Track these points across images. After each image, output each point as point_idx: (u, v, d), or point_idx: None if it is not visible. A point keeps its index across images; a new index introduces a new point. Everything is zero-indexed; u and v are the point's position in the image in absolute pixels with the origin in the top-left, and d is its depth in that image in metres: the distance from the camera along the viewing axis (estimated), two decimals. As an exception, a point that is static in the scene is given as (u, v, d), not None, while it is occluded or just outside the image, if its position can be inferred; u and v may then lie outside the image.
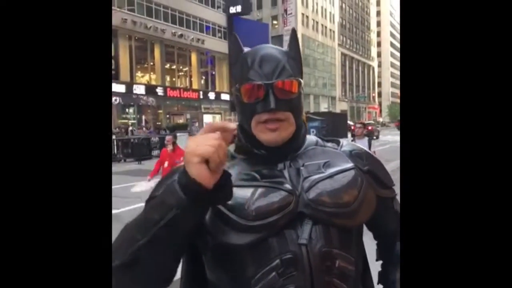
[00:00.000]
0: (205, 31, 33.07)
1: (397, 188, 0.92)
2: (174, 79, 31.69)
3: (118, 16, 24.00)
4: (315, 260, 0.87)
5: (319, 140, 1.05)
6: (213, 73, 34.81)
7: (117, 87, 24.36)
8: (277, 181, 0.91)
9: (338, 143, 1.06)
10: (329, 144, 1.05)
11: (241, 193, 0.88)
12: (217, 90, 34.44)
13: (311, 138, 1.04)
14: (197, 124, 29.54)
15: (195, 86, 32.59)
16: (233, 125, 0.75)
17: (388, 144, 22.62)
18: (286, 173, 0.93)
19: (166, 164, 6.65)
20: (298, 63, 0.97)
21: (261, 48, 0.96)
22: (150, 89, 27.81)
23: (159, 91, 28.37)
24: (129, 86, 25.62)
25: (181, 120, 30.13)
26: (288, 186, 0.90)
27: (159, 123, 27.78)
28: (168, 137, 7.19)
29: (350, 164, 0.97)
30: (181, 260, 0.98)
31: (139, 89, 26.86)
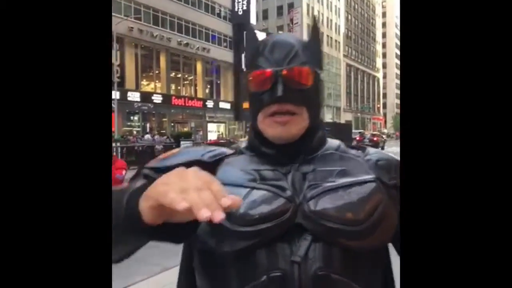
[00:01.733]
0: (211, 40, 33.22)
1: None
2: (179, 87, 31.78)
3: (125, 24, 24.13)
4: (308, 283, 0.73)
5: (342, 145, 0.90)
6: (218, 82, 34.90)
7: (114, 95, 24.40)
8: (277, 185, 0.79)
9: (364, 150, 0.91)
10: (353, 151, 0.89)
11: (234, 194, 0.77)
12: (221, 99, 34.50)
13: (333, 142, 0.89)
14: (201, 133, 29.58)
15: (200, 95, 32.66)
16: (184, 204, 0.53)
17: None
18: (289, 177, 0.80)
19: None
20: (316, 54, 0.86)
21: (276, 35, 0.86)
22: (147, 97, 27.78)
23: (156, 98, 28.25)
24: (124, 93, 25.52)
25: (185, 129, 30.16)
26: (288, 192, 0.78)
27: (163, 131, 27.80)
28: None
29: (370, 176, 0.82)
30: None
31: (134, 97, 26.71)
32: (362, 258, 0.78)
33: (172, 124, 30.37)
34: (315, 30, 0.88)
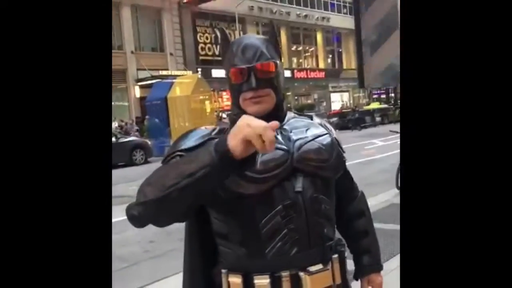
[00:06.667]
0: (330, 9, 32.58)
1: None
2: (300, 60, 32.00)
3: (246, 4, 25.04)
4: (308, 204, 1.12)
5: (295, 114, 1.29)
6: (340, 50, 34.24)
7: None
8: (275, 143, 1.08)
9: (311, 117, 1.31)
10: (304, 117, 1.29)
11: None
12: (344, 67, 33.85)
13: (290, 113, 1.27)
14: (324, 104, 29.51)
15: (321, 65, 32.49)
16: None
17: None
18: (279, 137, 1.13)
19: None
20: (276, 47, 1.18)
21: (244, 38, 1.17)
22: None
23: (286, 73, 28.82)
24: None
25: (309, 101, 30.44)
26: (284, 147, 1.12)
27: (289, 105, 28.41)
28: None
29: (325, 131, 1.24)
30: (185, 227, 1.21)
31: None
32: (330, 183, 1.21)
33: (296, 97, 30.84)
34: (273, 30, 1.20)
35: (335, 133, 1.29)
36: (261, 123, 0.87)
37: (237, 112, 1.18)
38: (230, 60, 1.14)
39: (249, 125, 0.87)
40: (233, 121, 1.17)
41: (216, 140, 0.94)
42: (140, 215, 0.99)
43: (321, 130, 1.23)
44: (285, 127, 1.19)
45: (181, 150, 1.12)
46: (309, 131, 1.20)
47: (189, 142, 1.13)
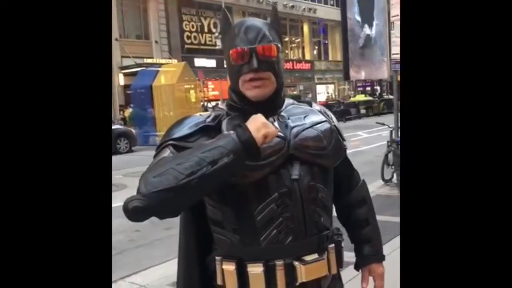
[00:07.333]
0: (317, 0, 32.52)
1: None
2: (286, 51, 31.91)
3: (232, -7, 24.80)
4: (305, 192, 1.11)
5: (294, 101, 1.27)
6: (326, 42, 34.27)
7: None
8: None
9: (310, 104, 1.30)
10: (303, 104, 1.27)
11: None
12: (330, 59, 33.92)
13: (288, 100, 1.25)
14: (310, 95, 29.58)
15: (307, 57, 32.50)
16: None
17: None
18: (276, 124, 1.12)
19: None
20: (278, 32, 1.17)
21: (246, 20, 1.16)
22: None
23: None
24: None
25: (295, 92, 30.47)
26: (281, 134, 1.10)
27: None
28: None
29: (324, 118, 1.22)
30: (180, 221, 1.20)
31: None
32: (328, 171, 1.18)
33: (282, 88, 30.74)
34: (276, 15, 1.18)
35: (335, 120, 1.27)
36: (274, 128, 1.01)
37: (235, 97, 1.15)
38: (231, 41, 1.12)
39: (268, 125, 0.99)
40: (230, 107, 1.17)
41: (229, 131, 1.00)
42: (146, 207, 0.92)
43: (320, 117, 1.21)
44: (282, 113, 1.17)
45: (174, 139, 1.10)
46: (307, 118, 1.18)
47: (183, 130, 1.11)
